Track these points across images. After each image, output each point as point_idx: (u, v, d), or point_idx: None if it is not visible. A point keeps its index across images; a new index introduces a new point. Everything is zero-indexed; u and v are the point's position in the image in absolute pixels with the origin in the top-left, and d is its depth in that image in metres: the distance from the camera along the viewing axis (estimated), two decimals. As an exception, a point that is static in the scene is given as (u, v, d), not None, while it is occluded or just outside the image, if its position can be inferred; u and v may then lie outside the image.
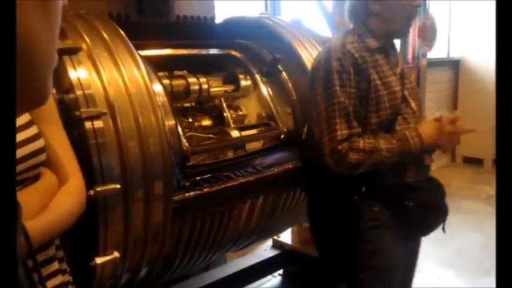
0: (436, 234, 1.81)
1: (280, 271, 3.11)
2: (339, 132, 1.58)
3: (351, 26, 1.76)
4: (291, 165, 2.22)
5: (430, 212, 1.73)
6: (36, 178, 1.05)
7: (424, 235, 1.82)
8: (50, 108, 1.11)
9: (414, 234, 1.79)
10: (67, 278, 1.19)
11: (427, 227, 1.76)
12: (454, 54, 6.09)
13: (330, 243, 1.86)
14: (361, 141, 1.57)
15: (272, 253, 3.02)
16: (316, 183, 1.86)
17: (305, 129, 1.94)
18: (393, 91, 1.67)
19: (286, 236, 3.12)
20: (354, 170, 1.60)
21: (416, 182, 1.71)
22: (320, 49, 1.82)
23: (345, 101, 1.58)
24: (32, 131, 1.03)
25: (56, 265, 1.14)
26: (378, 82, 1.64)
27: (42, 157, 1.05)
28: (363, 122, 1.63)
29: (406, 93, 1.72)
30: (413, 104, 1.72)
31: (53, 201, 1.04)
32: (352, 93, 1.59)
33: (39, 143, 1.03)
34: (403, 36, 1.78)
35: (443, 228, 1.79)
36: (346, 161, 1.57)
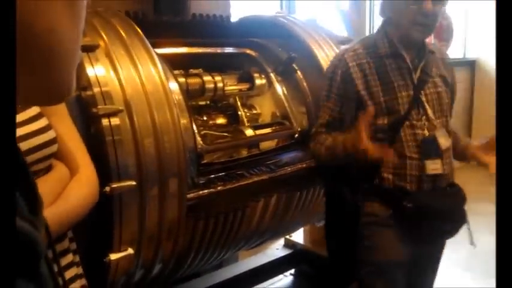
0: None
1: (292, 271, 3.10)
2: (314, 128, 1.87)
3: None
4: (304, 165, 2.22)
5: (430, 217, 1.70)
6: (48, 169, 1.07)
7: (428, 241, 1.79)
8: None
9: (415, 237, 1.75)
10: (80, 270, 1.21)
11: (429, 232, 1.74)
12: (470, 55, 6.03)
13: (337, 242, 1.89)
14: (325, 136, 1.77)
15: (284, 252, 3.02)
16: (328, 183, 1.95)
17: None
18: (395, 97, 1.67)
19: (298, 236, 3.11)
20: (316, 158, 1.91)
21: (418, 189, 1.69)
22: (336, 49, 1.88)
23: (325, 104, 1.80)
24: (42, 122, 1.04)
25: (70, 257, 1.15)
26: (375, 89, 1.69)
27: (54, 148, 1.06)
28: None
29: (423, 98, 1.70)
30: (429, 111, 1.70)
31: (64, 192, 1.04)
32: (336, 99, 1.76)
33: (49, 134, 1.05)
34: (417, 41, 1.72)
35: (471, 242, 1.83)
36: (309, 148, 1.88)
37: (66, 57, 0.37)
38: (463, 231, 1.83)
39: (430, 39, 4.92)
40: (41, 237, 0.33)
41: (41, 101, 0.41)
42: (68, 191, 1.06)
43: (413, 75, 1.71)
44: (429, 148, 1.67)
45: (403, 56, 1.71)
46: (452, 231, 1.77)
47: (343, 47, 1.88)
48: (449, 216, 1.74)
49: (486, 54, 5.89)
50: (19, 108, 0.92)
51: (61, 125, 1.10)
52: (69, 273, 1.13)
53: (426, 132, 1.68)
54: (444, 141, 1.70)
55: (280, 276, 3.04)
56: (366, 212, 1.75)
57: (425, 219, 1.70)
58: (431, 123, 1.70)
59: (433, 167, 1.69)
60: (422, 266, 1.88)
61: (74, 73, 0.39)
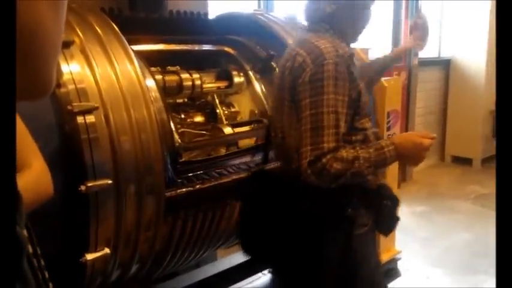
0: (424, 233, 1.82)
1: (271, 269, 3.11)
2: (325, 145, 1.45)
3: (310, 28, 1.64)
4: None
5: (396, 208, 1.73)
6: None
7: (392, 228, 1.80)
8: None
9: (384, 232, 1.77)
10: (46, 275, 1.18)
11: (395, 224, 1.77)
12: (445, 54, 6.13)
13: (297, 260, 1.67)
14: (344, 151, 1.47)
15: (263, 250, 3.01)
16: (291, 198, 1.64)
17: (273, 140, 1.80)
18: (366, 98, 1.62)
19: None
20: (335, 181, 1.47)
21: (384, 183, 1.73)
22: (293, 50, 1.58)
23: (337, 110, 1.47)
24: None
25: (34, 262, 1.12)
26: (359, 89, 1.56)
27: None
28: (349, 131, 1.55)
29: None
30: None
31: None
32: (345, 102, 1.49)
33: None
34: (354, 41, 1.70)
35: None
36: (329, 172, 1.44)
37: (50, 50, 0.38)
38: (438, 229, 1.86)
39: (406, 37, 4.99)
40: (23, 233, 0.32)
41: (25, 95, 0.41)
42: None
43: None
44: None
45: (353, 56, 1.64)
46: None
47: (308, 45, 1.56)
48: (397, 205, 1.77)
49: (460, 54, 6.00)
50: None
51: None
52: None
53: (372, 128, 1.67)
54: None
55: (259, 274, 3.04)
56: (358, 224, 1.63)
57: (394, 211, 1.72)
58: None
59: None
60: None
61: (55, 67, 0.40)
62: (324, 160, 1.44)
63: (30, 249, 1.07)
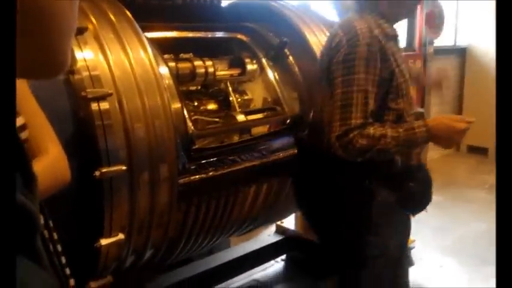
0: (438, 222, 1.82)
1: (283, 256, 3.12)
2: (353, 121, 1.53)
3: (356, 8, 1.69)
4: (296, 150, 2.21)
5: (429, 192, 1.75)
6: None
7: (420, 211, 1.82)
8: (22, 85, 1.10)
9: (410, 212, 1.80)
10: (63, 260, 1.20)
11: (423, 207, 1.78)
12: (461, 42, 6.03)
13: (337, 228, 1.81)
14: (371, 128, 1.54)
15: (275, 238, 3.02)
16: (324, 168, 1.77)
17: (311, 114, 1.92)
18: (406, 79, 1.65)
19: (289, 222, 3.12)
20: (361, 156, 1.56)
21: (417, 165, 1.73)
22: (335, 30, 1.66)
23: (367, 89, 1.54)
24: None
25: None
26: (397, 70, 1.61)
27: (25, 134, 1.04)
28: (381, 111, 1.60)
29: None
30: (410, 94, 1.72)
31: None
32: (376, 82, 1.55)
33: (19, 121, 1.03)
34: (396, 22, 1.72)
35: None
36: (354, 146, 1.53)
37: (66, 29, 0.38)
38: (452, 218, 1.86)
39: (422, 25, 4.92)
40: (36, 211, 0.32)
41: (40, 73, 0.42)
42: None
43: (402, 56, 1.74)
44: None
45: (398, 38, 1.71)
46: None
47: (346, 25, 1.63)
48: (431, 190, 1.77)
49: (477, 42, 5.90)
50: None
51: (26, 109, 1.08)
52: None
53: (413, 108, 1.71)
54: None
55: (272, 262, 3.05)
56: (378, 201, 1.68)
57: (426, 195, 1.74)
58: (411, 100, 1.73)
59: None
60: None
61: (70, 47, 0.40)
62: (350, 135, 1.54)
63: (46, 234, 1.08)
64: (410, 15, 1.75)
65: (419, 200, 1.74)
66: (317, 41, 2.25)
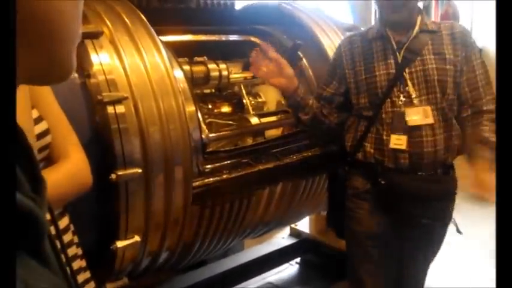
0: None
1: (298, 259, 3.11)
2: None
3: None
4: (309, 153, 2.21)
5: (401, 197, 1.75)
6: (49, 160, 1.06)
7: (399, 220, 1.81)
8: (47, 90, 1.11)
9: (388, 214, 1.80)
10: (84, 263, 1.21)
11: (399, 212, 1.77)
12: (477, 43, 5.98)
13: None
14: (312, 101, 1.89)
15: (289, 241, 3.02)
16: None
17: None
18: (373, 75, 1.76)
19: (304, 225, 3.11)
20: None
21: (395, 166, 1.73)
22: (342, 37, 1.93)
23: (326, 77, 1.93)
24: (34, 114, 1.04)
25: (74, 250, 1.15)
26: (359, 68, 1.79)
27: (48, 139, 1.05)
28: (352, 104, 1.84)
29: (406, 76, 1.73)
30: (410, 88, 1.71)
31: (50, 175, 1.02)
32: (330, 74, 1.90)
33: (42, 126, 1.04)
34: (397, 22, 1.76)
35: (457, 230, 1.88)
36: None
37: (68, 35, 0.38)
38: (468, 220, 1.84)
39: (436, 19, 4.88)
40: (44, 216, 0.33)
41: (44, 80, 0.42)
42: (54, 171, 1.05)
43: (397, 54, 1.75)
44: (396, 123, 1.71)
45: (389, 37, 1.77)
46: (425, 217, 1.77)
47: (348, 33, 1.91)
48: (421, 202, 1.75)
49: (492, 43, 5.84)
50: None
51: (50, 114, 1.09)
52: (73, 266, 1.13)
53: (402, 109, 1.72)
54: (415, 118, 1.70)
55: (286, 265, 3.05)
56: (349, 184, 1.86)
57: (396, 198, 1.75)
58: (410, 101, 1.72)
59: (396, 142, 1.72)
60: (409, 252, 1.90)
61: (75, 52, 0.40)
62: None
63: (69, 237, 1.09)
64: (389, 21, 1.76)
65: (388, 201, 1.77)
66: (331, 43, 2.25)
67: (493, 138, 1.67)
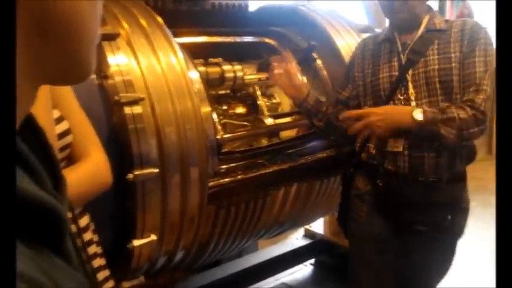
0: (468, 228, 1.78)
1: (312, 261, 3.11)
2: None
3: None
4: (324, 154, 2.21)
5: (397, 202, 1.72)
6: (70, 159, 1.08)
7: (397, 225, 1.76)
8: (68, 91, 1.13)
9: (386, 218, 1.77)
10: (103, 261, 1.22)
11: (396, 216, 1.74)
12: (491, 41, 5.91)
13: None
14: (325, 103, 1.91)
15: (304, 242, 3.02)
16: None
17: None
18: (377, 78, 1.75)
19: (318, 226, 3.11)
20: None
21: (396, 169, 1.69)
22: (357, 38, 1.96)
23: (342, 80, 1.94)
24: (55, 113, 1.05)
25: (94, 248, 1.16)
26: (367, 71, 1.79)
27: (69, 138, 1.07)
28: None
29: (409, 79, 1.67)
30: (410, 91, 1.66)
31: (71, 174, 1.03)
32: (346, 77, 1.91)
33: (63, 125, 1.06)
34: (399, 23, 1.73)
35: None
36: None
37: (87, 36, 0.39)
38: (483, 224, 1.80)
39: (451, 17, 4.84)
40: (65, 213, 0.33)
41: (64, 80, 0.43)
42: (75, 170, 1.06)
43: (401, 56, 1.71)
44: (365, 125, 1.64)
45: (394, 39, 1.74)
46: (422, 224, 1.71)
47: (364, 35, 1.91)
48: (417, 208, 1.70)
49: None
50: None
51: (71, 114, 1.11)
52: (93, 264, 1.14)
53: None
54: None
55: (300, 265, 3.05)
56: (353, 185, 1.86)
57: (392, 201, 1.73)
58: (409, 104, 1.66)
59: (393, 144, 1.68)
60: (409, 261, 1.82)
61: (94, 53, 0.41)
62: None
63: (89, 236, 1.11)
64: (391, 17, 1.74)
65: (386, 205, 1.75)
66: (345, 44, 2.25)
67: (450, 115, 1.55)
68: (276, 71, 1.88)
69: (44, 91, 0.99)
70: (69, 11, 0.35)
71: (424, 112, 1.56)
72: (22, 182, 0.30)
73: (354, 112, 1.70)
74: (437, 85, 1.63)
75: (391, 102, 1.69)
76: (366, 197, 1.81)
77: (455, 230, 1.77)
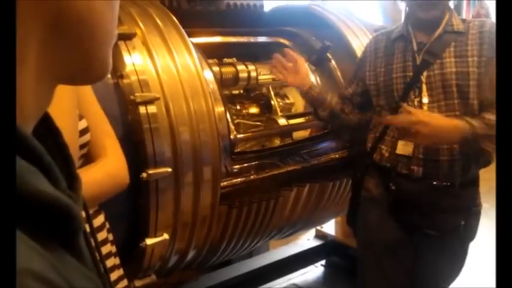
0: (483, 229, 1.76)
1: (323, 262, 3.10)
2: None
3: None
4: (337, 155, 2.21)
5: (408, 205, 1.70)
6: (87, 158, 1.09)
7: (408, 228, 1.74)
8: (87, 90, 1.13)
9: (398, 221, 1.75)
10: (117, 261, 1.23)
11: (407, 219, 1.73)
12: None
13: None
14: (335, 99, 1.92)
15: (315, 243, 3.01)
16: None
17: None
18: (390, 78, 1.72)
19: (329, 227, 3.10)
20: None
21: (408, 171, 1.67)
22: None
23: (349, 78, 1.95)
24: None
25: (108, 247, 1.17)
26: (379, 70, 1.75)
27: (87, 137, 1.08)
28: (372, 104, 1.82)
29: (423, 80, 1.64)
30: (424, 93, 1.64)
31: (87, 172, 1.04)
32: (354, 74, 1.90)
33: (82, 124, 1.06)
34: (426, 22, 1.67)
35: None
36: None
37: (105, 36, 0.39)
38: (492, 224, 1.77)
39: (467, 17, 4.79)
40: (79, 212, 0.34)
41: (82, 80, 0.43)
42: (93, 170, 1.07)
43: (416, 56, 1.67)
44: (405, 129, 1.58)
45: (410, 37, 1.70)
46: (433, 228, 1.69)
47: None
48: (429, 212, 1.68)
49: None
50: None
51: (90, 113, 1.12)
52: (107, 263, 1.15)
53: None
54: None
55: (311, 266, 3.04)
56: (364, 186, 1.83)
57: (404, 205, 1.71)
58: (422, 106, 1.64)
59: (403, 148, 1.67)
60: (421, 261, 1.80)
61: (111, 52, 0.41)
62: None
63: (104, 235, 1.12)
64: (422, 15, 1.67)
65: (397, 208, 1.73)
66: (360, 44, 2.24)
67: (482, 130, 1.52)
68: (284, 66, 1.90)
69: (71, 91, 1.00)
70: (87, 12, 0.36)
71: (472, 127, 1.51)
72: (37, 180, 0.30)
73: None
74: (454, 88, 1.61)
75: (405, 104, 1.65)
76: (378, 199, 1.78)
77: (467, 234, 1.75)
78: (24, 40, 0.33)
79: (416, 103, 1.65)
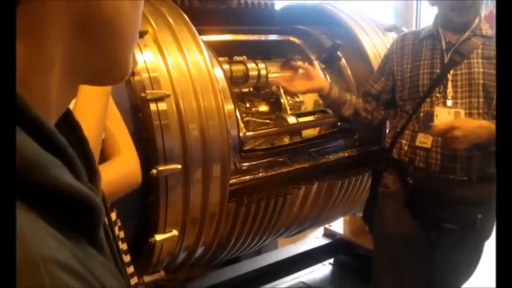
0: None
1: (331, 260, 3.10)
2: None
3: None
4: (346, 154, 2.21)
5: (426, 199, 1.72)
6: (101, 156, 1.10)
7: (425, 223, 1.76)
8: (103, 88, 1.14)
9: (415, 216, 1.76)
10: (128, 258, 1.24)
11: (425, 213, 1.74)
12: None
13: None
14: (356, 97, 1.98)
15: (323, 242, 3.01)
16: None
17: None
18: (417, 73, 1.77)
19: (338, 226, 3.10)
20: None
21: (426, 165, 1.70)
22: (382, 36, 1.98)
23: (376, 73, 1.97)
24: None
25: (120, 244, 1.19)
26: (406, 66, 1.80)
27: (102, 135, 1.09)
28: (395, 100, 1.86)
29: (450, 78, 1.71)
30: (449, 90, 1.70)
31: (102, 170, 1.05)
32: (380, 70, 1.93)
33: None
34: (457, 24, 1.73)
35: None
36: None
37: (128, 38, 0.40)
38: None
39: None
40: (100, 204, 0.34)
41: (104, 80, 0.44)
42: (107, 169, 1.08)
43: (444, 55, 1.73)
44: (425, 122, 1.70)
45: (439, 37, 1.76)
46: (451, 222, 1.70)
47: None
48: (447, 206, 1.69)
49: None
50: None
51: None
52: None
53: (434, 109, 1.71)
54: (444, 120, 1.66)
55: (319, 265, 3.04)
56: (382, 182, 1.86)
57: (422, 200, 1.73)
58: (446, 102, 1.70)
59: (422, 140, 1.71)
60: (437, 260, 1.81)
61: (132, 54, 0.42)
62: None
63: (116, 231, 1.13)
64: (447, 22, 1.75)
65: (415, 202, 1.74)
66: (370, 43, 2.24)
67: None
68: (294, 77, 1.95)
69: (107, 93, 1.01)
70: (113, 14, 0.37)
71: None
72: (60, 172, 0.31)
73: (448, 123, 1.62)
74: (481, 87, 1.68)
75: (428, 99, 1.73)
76: (396, 195, 1.80)
77: (484, 230, 1.77)
78: (53, 39, 0.33)
79: (440, 99, 1.71)
